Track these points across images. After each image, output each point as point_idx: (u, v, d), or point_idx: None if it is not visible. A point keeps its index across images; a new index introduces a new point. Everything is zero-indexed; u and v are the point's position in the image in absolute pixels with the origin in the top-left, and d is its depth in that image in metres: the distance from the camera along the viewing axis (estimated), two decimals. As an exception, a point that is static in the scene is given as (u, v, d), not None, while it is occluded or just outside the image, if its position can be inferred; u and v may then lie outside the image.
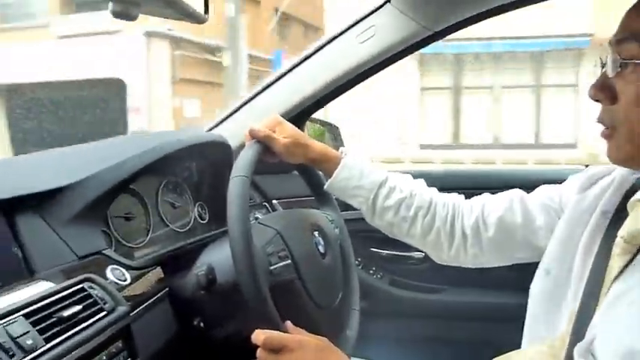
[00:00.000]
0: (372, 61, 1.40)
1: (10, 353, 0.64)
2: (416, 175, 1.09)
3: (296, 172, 1.18)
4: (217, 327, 1.00)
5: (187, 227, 1.24)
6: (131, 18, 0.57)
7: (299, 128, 1.05)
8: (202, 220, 1.31)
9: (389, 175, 1.04)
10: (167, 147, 1.10)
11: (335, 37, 1.41)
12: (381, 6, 1.34)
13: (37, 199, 0.88)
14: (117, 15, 0.56)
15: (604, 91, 0.74)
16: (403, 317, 1.70)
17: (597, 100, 0.76)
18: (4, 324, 0.67)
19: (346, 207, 1.12)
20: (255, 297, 0.83)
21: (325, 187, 1.06)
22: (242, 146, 1.01)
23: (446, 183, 1.25)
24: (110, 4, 0.55)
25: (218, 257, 0.98)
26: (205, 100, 11.18)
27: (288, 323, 0.87)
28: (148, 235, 1.12)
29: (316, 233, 1.06)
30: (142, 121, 10.07)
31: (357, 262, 1.64)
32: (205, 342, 1.01)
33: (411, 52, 1.43)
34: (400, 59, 1.44)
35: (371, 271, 1.71)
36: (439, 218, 1.02)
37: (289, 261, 0.96)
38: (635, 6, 0.73)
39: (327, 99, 1.48)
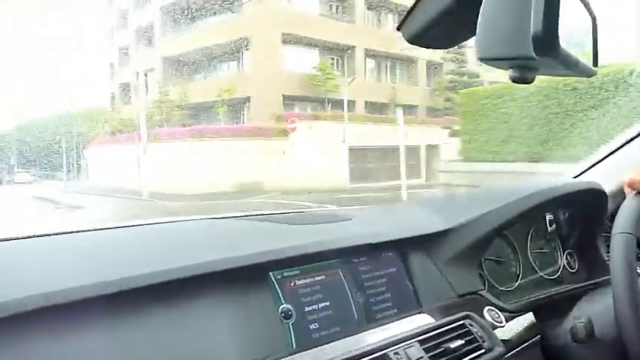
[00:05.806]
0: None
1: None
2: None
3: None
4: None
5: (556, 275, 1.23)
6: (528, 82, 0.62)
7: None
8: (571, 269, 1.27)
9: None
10: (540, 195, 1.12)
11: None
12: None
13: (425, 240, 1.01)
14: (515, 80, 0.62)
15: None
16: None
17: None
18: (405, 347, 0.79)
19: None
20: None
21: None
22: (616, 193, 0.96)
23: None
24: (510, 72, 0.61)
25: (597, 310, 0.95)
26: None
27: None
28: (517, 280, 1.15)
29: None
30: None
31: None
32: None
33: None
34: None
35: None
36: None
37: None
38: None
39: None
